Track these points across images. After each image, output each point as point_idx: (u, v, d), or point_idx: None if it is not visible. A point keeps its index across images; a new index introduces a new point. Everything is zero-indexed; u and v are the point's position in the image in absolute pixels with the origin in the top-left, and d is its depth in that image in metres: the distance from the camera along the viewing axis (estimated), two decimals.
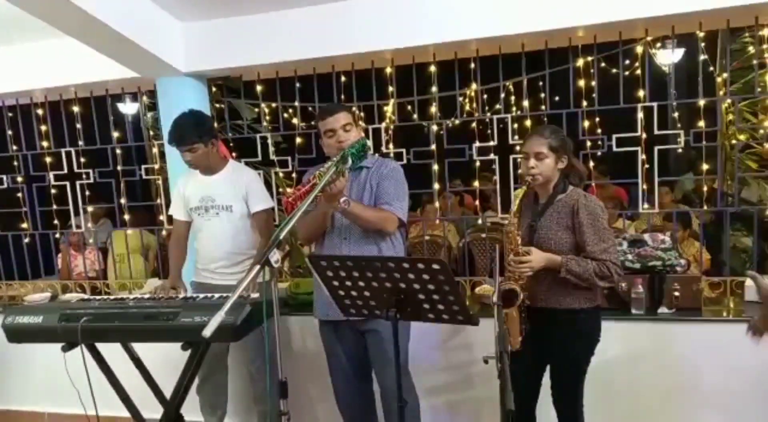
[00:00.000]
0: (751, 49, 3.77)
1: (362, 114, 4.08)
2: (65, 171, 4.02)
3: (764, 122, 3.21)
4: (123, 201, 4.04)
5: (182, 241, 3.02)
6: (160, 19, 3.25)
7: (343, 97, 3.63)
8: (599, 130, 3.47)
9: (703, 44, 3.31)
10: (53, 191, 4.08)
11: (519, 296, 2.11)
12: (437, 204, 3.88)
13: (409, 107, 3.81)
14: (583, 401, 2.33)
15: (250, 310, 2.22)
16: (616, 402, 2.81)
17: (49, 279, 4.40)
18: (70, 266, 4.77)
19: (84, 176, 4.01)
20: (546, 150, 2.18)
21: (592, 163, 3.39)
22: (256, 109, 4.23)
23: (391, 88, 3.61)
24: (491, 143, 3.41)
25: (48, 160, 4.10)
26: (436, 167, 3.55)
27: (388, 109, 4.15)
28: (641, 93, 3.21)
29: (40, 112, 4.09)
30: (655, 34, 3.34)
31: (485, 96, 4.95)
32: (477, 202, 4.03)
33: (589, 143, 3.26)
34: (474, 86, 3.62)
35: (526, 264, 2.12)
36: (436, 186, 3.63)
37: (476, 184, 3.74)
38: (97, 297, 2.90)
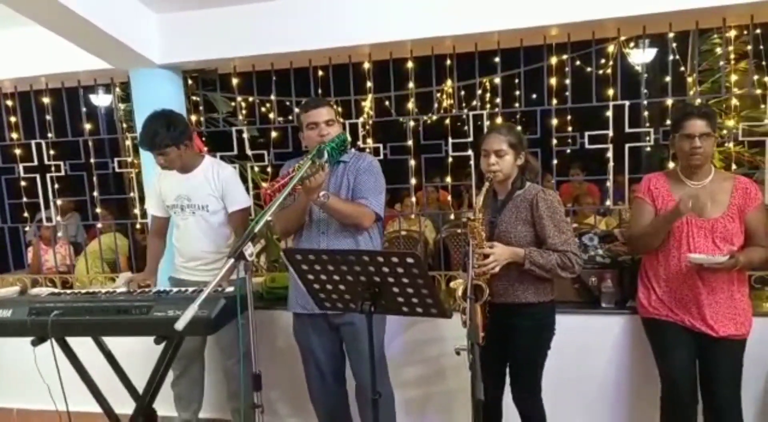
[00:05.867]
0: (719, 50, 3.88)
1: (340, 108, 4.08)
2: (35, 163, 3.94)
3: (727, 122, 3.30)
4: (95, 194, 3.97)
5: (161, 236, 3.02)
6: (133, 9, 3.20)
7: (320, 91, 3.62)
8: (569, 128, 3.53)
9: (674, 44, 3.39)
10: (23, 184, 4.00)
11: (484, 293, 2.14)
12: (413, 199, 3.90)
13: (387, 102, 3.82)
14: (542, 393, 2.38)
15: (224, 304, 2.21)
16: (586, 393, 2.88)
17: (19, 274, 4.31)
18: (41, 260, 4.68)
19: (54, 169, 3.94)
20: (506, 147, 2.24)
21: (555, 161, 3.44)
22: (232, 103, 4.19)
23: (369, 84, 3.62)
24: (468, 139, 3.45)
25: (17, 151, 4.02)
26: (413, 162, 3.58)
27: (366, 105, 4.16)
28: (611, 91, 3.28)
29: (9, 103, 4.00)
30: (627, 34, 3.41)
31: (462, 92, 4.99)
32: (449, 197, 4.07)
33: (555, 141, 3.31)
34: (450, 82, 3.65)
35: (492, 258, 2.16)
36: (413, 181, 3.65)
37: (448, 179, 3.77)
38: (68, 291, 2.86)
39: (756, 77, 3.37)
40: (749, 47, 3.15)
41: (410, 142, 3.58)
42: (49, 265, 4.60)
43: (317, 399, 2.64)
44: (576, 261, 2.20)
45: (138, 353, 2.52)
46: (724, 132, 3.23)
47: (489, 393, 2.10)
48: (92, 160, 3.89)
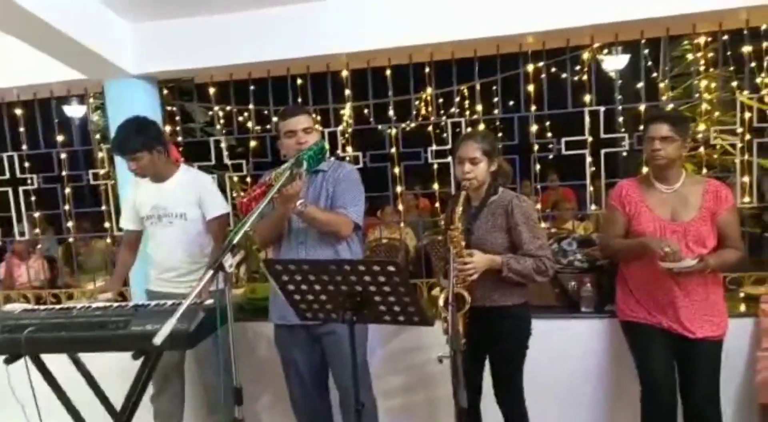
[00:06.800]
0: (690, 56, 3.98)
1: (319, 117, 4.07)
2: (7, 176, 3.85)
3: (699, 126, 3.37)
4: (66, 207, 3.90)
5: (132, 250, 2.98)
6: (107, 18, 3.16)
7: (299, 100, 3.61)
8: (548, 134, 3.58)
9: (647, 51, 3.45)
10: None
11: (466, 302, 2.15)
12: (400, 206, 3.90)
13: (366, 111, 3.83)
14: (525, 394, 2.40)
15: (203, 317, 2.18)
16: (567, 397, 2.90)
17: None
18: (14, 275, 4.57)
19: (28, 182, 3.85)
20: (479, 154, 2.26)
21: (539, 167, 3.48)
22: (210, 112, 4.17)
23: (347, 92, 3.62)
24: (447, 146, 3.46)
25: None
26: (397, 170, 3.58)
27: (345, 113, 4.16)
28: (587, 97, 3.33)
29: None
30: (600, 41, 3.47)
31: (440, 100, 5.02)
32: (437, 204, 4.08)
33: (536, 147, 3.35)
34: (429, 90, 3.68)
35: (470, 266, 2.17)
36: (399, 188, 3.65)
37: (435, 186, 3.78)
38: (42, 306, 2.79)
39: (735, 83, 3.44)
40: (710, 55, 3.23)
41: (393, 150, 3.58)
42: (22, 280, 4.49)
43: (300, 410, 2.61)
44: (550, 266, 2.25)
45: (115, 369, 2.46)
46: (699, 136, 3.29)
47: (468, 398, 2.11)
48: (65, 173, 3.82)
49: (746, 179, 3.17)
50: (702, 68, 3.39)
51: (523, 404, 2.41)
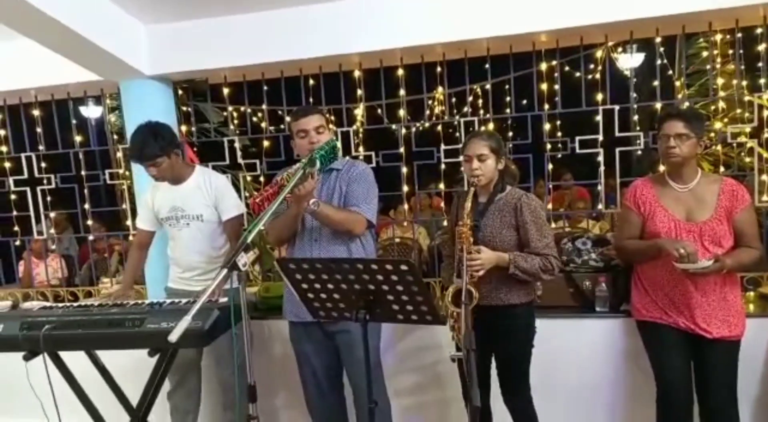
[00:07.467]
0: (705, 54, 3.92)
1: (332, 117, 4.09)
2: (25, 176, 3.92)
3: (715, 124, 3.33)
4: (87, 206, 3.95)
5: (143, 250, 3.03)
6: (122, 20, 3.21)
7: (311, 100, 3.63)
8: (559, 133, 3.55)
9: (662, 49, 3.42)
10: (13, 197, 3.97)
11: (474, 298, 2.15)
12: (407, 206, 3.90)
13: (379, 110, 3.84)
14: (538, 394, 2.40)
15: (218, 315, 2.20)
16: (581, 397, 2.88)
17: (9, 288, 4.27)
18: (32, 274, 4.64)
19: (45, 181, 3.91)
20: (487, 151, 2.30)
21: (551, 165, 3.45)
22: (224, 113, 4.19)
23: (359, 92, 3.63)
24: (459, 146, 3.45)
25: (7, 164, 4.00)
26: (405, 169, 3.58)
27: (358, 112, 4.17)
28: (600, 96, 3.30)
29: None
30: (615, 39, 3.44)
31: (453, 99, 5.01)
32: (442, 204, 4.06)
33: (549, 146, 3.34)
34: (441, 89, 3.67)
35: (478, 262, 2.17)
36: (406, 188, 3.65)
37: (441, 185, 3.78)
38: (60, 304, 2.84)
39: (744, 83, 3.39)
40: (731, 52, 3.18)
41: (402, 149, 3.58)
42: (40, 279, 4.56)
43: (314, 407, 2.63)
44: (556, 264, 2.26)
45: (132, 366, 2.50)
46: (713, 135, 3.25)
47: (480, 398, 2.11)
48: (83, 173, 3.88)
49: (765, 178, 3.12)
50: (718, 66, 3.33)
51: (530, 402, 2.41)
